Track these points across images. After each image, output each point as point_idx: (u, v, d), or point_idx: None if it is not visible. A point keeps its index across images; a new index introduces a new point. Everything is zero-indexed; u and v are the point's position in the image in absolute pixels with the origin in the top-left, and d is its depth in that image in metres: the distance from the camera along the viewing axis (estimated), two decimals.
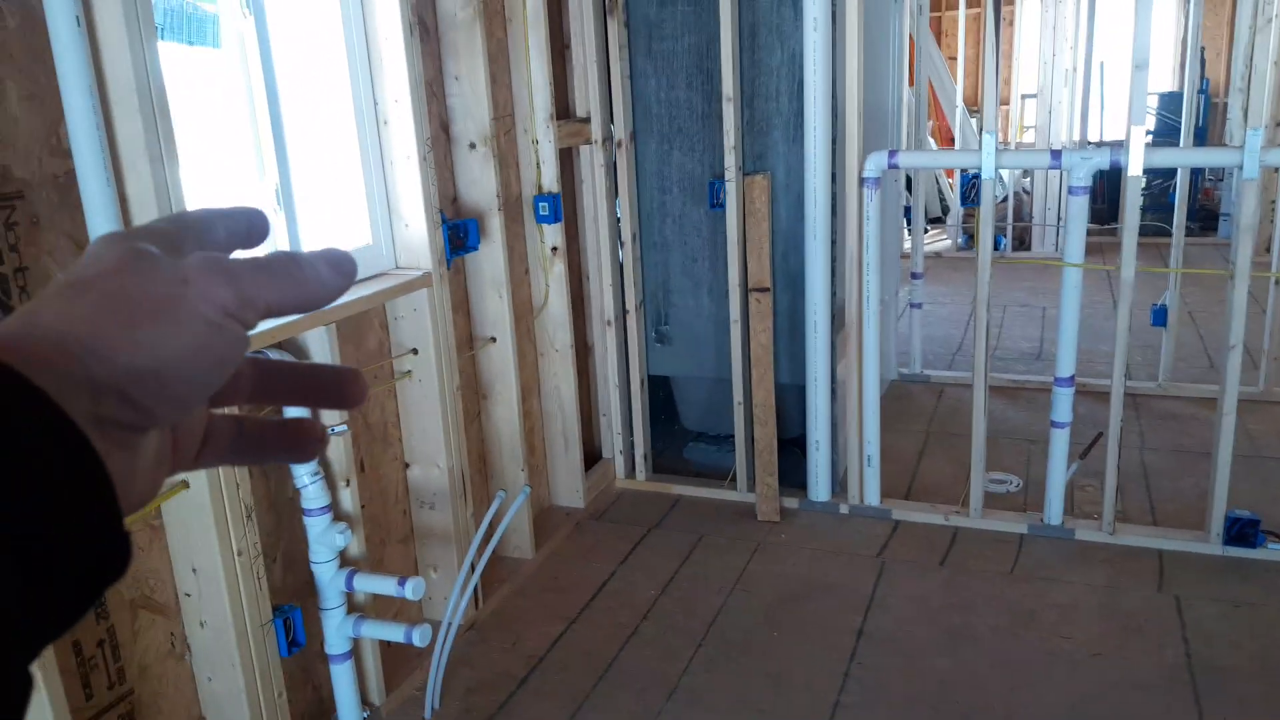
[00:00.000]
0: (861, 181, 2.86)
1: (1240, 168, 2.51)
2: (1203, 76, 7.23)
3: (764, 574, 2.71)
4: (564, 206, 2.89)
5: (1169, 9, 9.21)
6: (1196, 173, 6.50)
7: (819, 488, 3.07)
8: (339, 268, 0.34)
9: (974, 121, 7.21)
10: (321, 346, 2.03)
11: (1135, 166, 2.59)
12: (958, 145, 6.10)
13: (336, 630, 2.05)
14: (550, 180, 2.82)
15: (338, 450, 2.08)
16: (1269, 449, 3.34)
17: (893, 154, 2.86)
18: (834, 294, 2.97)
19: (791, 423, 3.23)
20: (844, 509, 3.05)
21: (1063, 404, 2.76)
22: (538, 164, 2.82)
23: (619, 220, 3.15)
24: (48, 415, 0.26)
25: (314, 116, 2.25)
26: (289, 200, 2.08)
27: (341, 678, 2.08)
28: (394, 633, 2.03)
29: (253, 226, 0.37)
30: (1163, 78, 8.83)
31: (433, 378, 2.32)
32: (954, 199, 6.88)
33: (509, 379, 2.68)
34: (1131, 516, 2.91)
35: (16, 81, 1.47)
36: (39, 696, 1.42)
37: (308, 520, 2.02)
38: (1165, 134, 7.09)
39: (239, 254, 0.34)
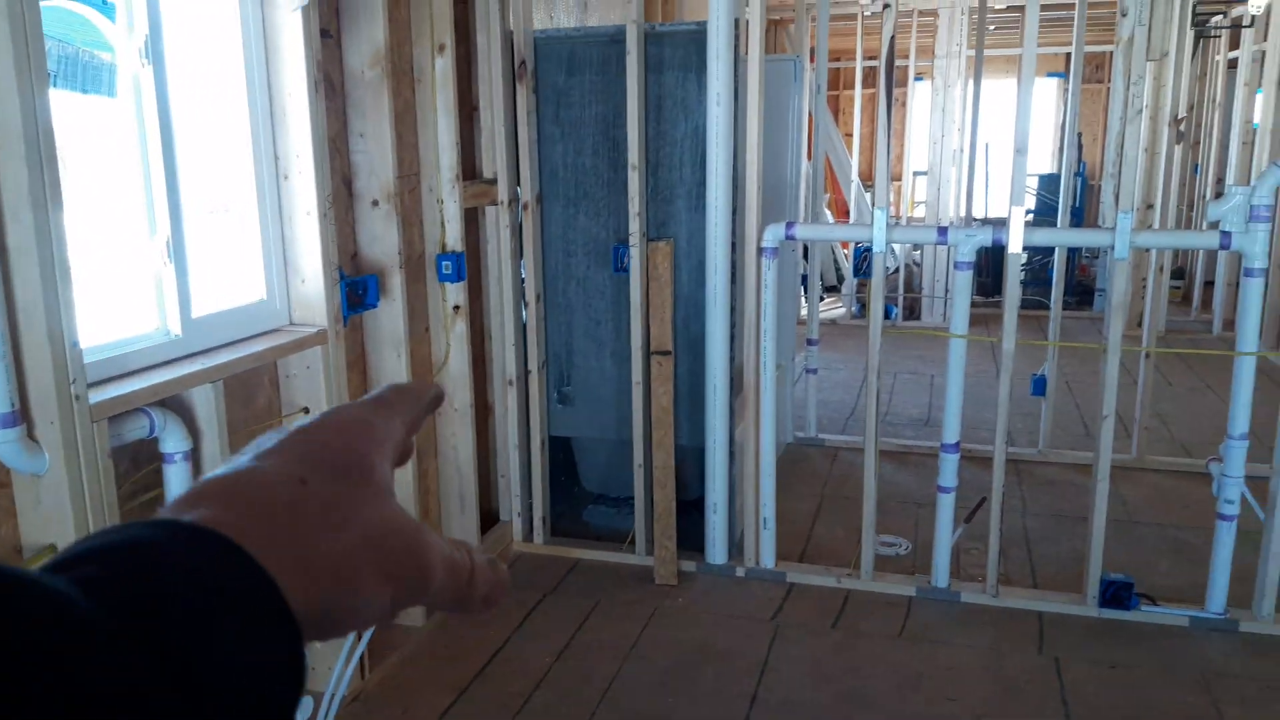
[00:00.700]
0: (760, 251, 2.94)
1: (1112, 248, 2.68)
2: (1080, 160, 7.73)
3: (660, 640, 2.69)
4: (468, 266, 2.89)
5: (1050, 95, 9.84)
6: (1073, 251, 6.88)
7: (716, 550, 3.09)
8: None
9: (869, 195, 7.51)
10: (207, 405, 1.96)
11: (1015, 245, 2.74)
12: (853, 218, 6.35)
13: None
14: (454, 239, 2.81)
15: None
16: (1142, 514, 3.51)
17: (790, 225, 2.95)
18: (733, 358, 3.03)
19: (691, 485, 3.26)
20: (740, 572, 3.07)
21: (949, 469, 2.86)
22: (442, 223, 2.82)
23: (523, 281, 3.16)
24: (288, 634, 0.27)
25: (211, 168, 2.21)
26: (180, 254, 2.02)
27: None
28: None
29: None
30: (1044, 160, 9.39)
31: None
32: (848, 269, 7.12)
33: None
34: (1014, 579, 3.01)
35: None
36: None
37: None
38: (1046, 213, 7.51)
39: None
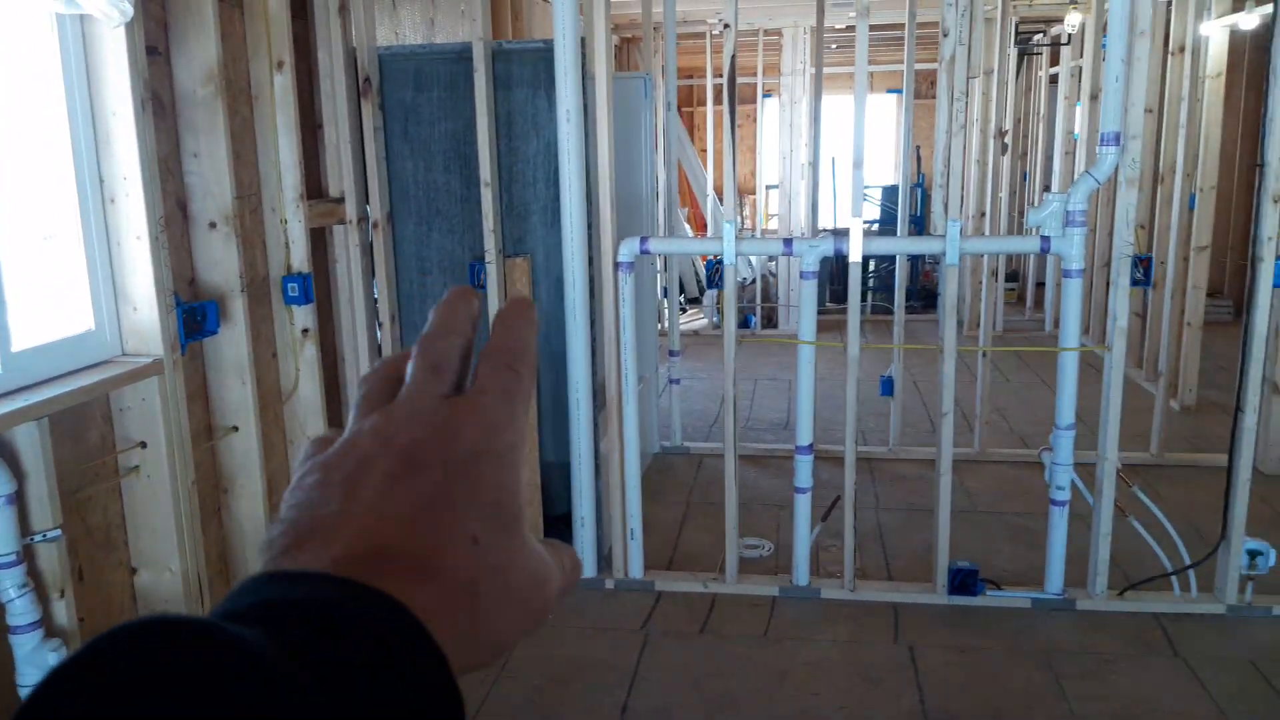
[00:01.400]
0: (616, 265, 2.97)
1: (944, 255, 2.83)
2: (919, 172, 8.13)
3: (530, 657, 2.68)
4: (317, 287, 2.81)
5: (891, 110, 10.33)
6: (916, 258, 7.24)
7: (585, 564, 3.09)
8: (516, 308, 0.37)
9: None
10: (32, 445, 1.84)
11: (855, 254, 2.86)
12: (710, 231, 6.49)
13: None
14: (300, 260, 2.73)
15: (50, 557, 1.88)
16: (986, 504, 3.72)
17: (644, 240, 3.00)
18: (595, 372, 3.05)
19: (559, 500, 3.25)
20: (610, 584, 3.09)
21: (803, 471, 2.96)
22: (286, 244, 2.73)
23: (377, 301, 3.10)
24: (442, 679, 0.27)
25: (31, 195, 2.07)
26: None
27: None
28: None
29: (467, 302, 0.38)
30: (886, 171, 9.84)
31: (163, 473, 2.16)
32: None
33: (253, 471, 2.54)
34: (870, 573, 3.13)
35: None
36: None
37: (14, 639, 1.80)
38: (890, 222, 7.87)
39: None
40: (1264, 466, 3.95)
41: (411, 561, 0.29)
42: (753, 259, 7.11)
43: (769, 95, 8.15)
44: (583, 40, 2.87)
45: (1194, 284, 4.59)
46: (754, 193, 9.12)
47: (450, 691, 0.26)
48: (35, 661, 1.82)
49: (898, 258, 4.38)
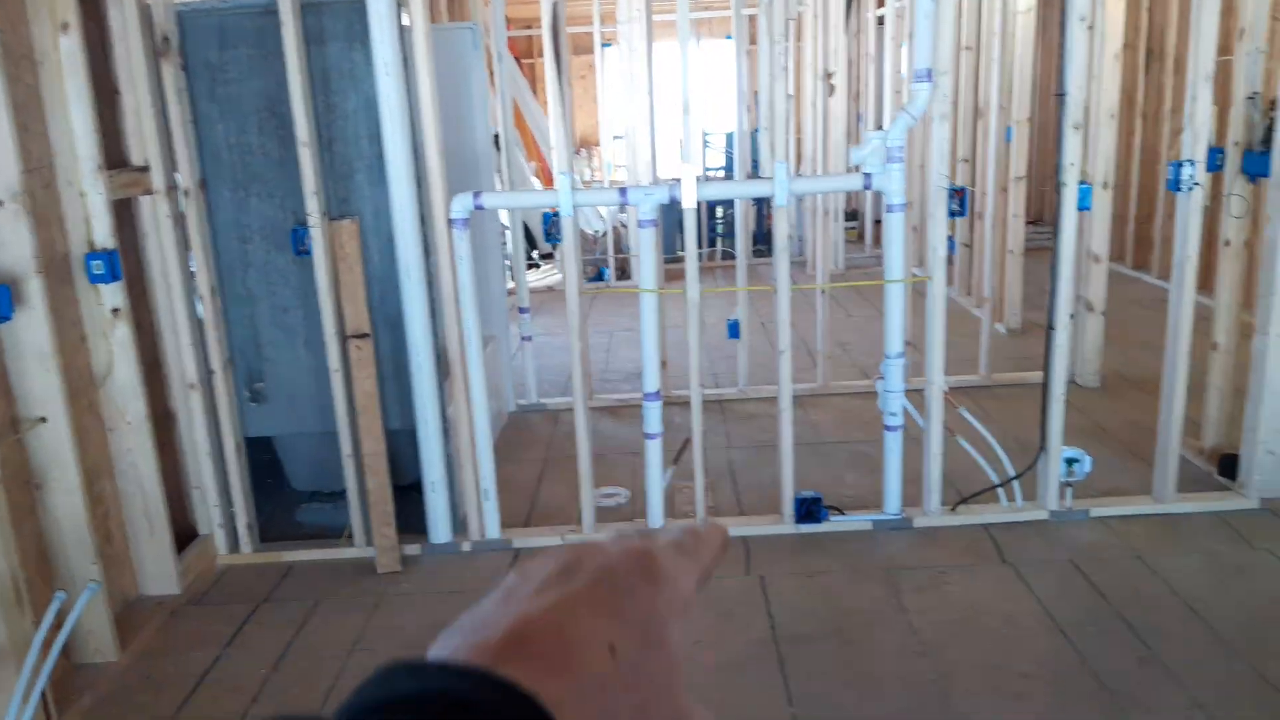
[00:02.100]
0: (450, 223, 2.90)
1: (773, 196, 2.89)
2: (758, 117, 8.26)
3: (385, 628, 2.63)
4: (126, 263, 2.63)
5: (731, 57, 10.41)
6: (761, 202, 7.39)
7: (439, 530, 3.06)
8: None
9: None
10: None
11: (688, 200, 2.88)
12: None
13: None
14: (104, 236, 2.55)
15: None
16: (829, 435, 3.86)
17: (478, 195, 2.93)
18: (437, 334, 2.99)
19: (408, 468, 3.18)
20: (466, 547, 3.06)
21: (652, 417, 2.99)
22: (87, 219, 2.54)
23: (194, 274, 2.93)
24: None
25: None
26: None
27: None
28: None
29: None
30: (730, 119, 9.95)
31: None
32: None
33: (67, 462, 2.37)
34: (722, 510, 3.21)
35: None
36: None
37: None
38: (733, 169, 7.99)
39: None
40: (1082, 380, 4.25)
41: (541, 650, 0.29)
42: (603, 211, 7.10)
43: (609, 45, 8.08)
44: None
45: (1014, 213, 4.85)
46: (598, 144, 9.08)
47: None
48: None
49: (737, 203, 4.45)
